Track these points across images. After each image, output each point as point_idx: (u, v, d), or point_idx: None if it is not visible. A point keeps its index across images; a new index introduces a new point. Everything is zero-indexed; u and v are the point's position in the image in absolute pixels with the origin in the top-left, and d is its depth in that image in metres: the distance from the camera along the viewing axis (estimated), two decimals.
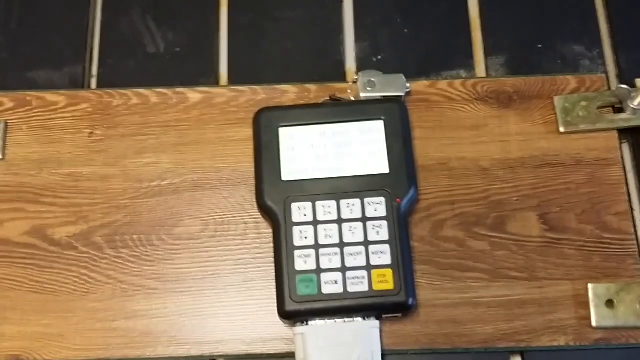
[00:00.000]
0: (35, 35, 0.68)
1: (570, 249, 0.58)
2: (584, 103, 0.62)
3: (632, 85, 0.62)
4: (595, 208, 0.60)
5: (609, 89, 0.64)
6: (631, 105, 0.61)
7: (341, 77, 0.66)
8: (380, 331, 0.55)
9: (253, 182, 0.59)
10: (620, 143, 0.62)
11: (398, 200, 0.57)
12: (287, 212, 0.56)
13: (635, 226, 0.60)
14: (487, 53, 0.67)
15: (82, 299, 0.57)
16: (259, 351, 0.56)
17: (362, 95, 0.62)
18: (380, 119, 0.59)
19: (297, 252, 0.55)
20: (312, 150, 0.59)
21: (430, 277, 0.58)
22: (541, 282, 0.58)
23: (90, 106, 0.63)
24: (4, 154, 0.62)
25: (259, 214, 0.59)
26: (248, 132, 0.61)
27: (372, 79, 0.62)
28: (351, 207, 0.56)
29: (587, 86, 0.64)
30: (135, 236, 0.59)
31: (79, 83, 0.66)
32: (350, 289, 0.54)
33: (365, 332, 0.54)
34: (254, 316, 0.57)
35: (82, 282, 0.58)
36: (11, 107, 0.63)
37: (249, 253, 0.59)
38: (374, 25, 0.69)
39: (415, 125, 0.62)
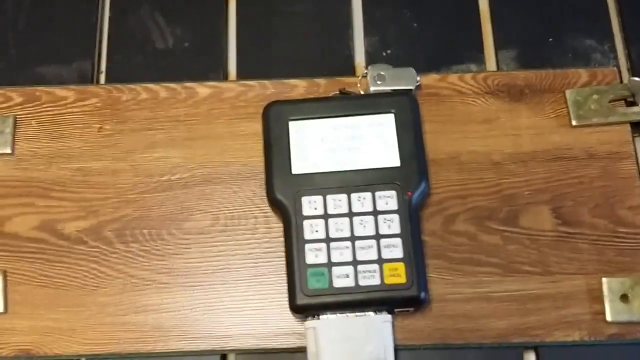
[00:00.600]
0: (44, 31, 0.68)
1: (584, 243, 0.58)
2: (595, 96, 0.62)
3: None
4: (609, 202, 0.59)
5: (621, 82, 0.64)
6: None
7: (350, 72, 0.66)
8: (392, 325, 0.55)
9: (263, 176, 0.59)
10: (633, 136, 0.62)
11: (409, 193, 0.56)
12: (298, 205, 0.56)
13: None
14: (498, 47, 0.67)
15: (92, 293, 0.57)
16: (269, 345, 0.56)
17: (372, 88, 0.61)
18: (390, 112, 0.59)
19: (308, 246, 0.55)
20: (322, 144, 0.58)
21: (442, 272, 0.57)
22: (555, 277, 0.57)
23: (100, 101, 0.63)
24: (13, 149, 0.61)
25: (269, 208, 0.59)
26: (257, 126, 0.61)
27: (382, 73, 0.62)
28: (362, 201, 0.56)
29: (598, 79, 0.63)
30: (145, 230, 0.59)
31: (88, 79, 0.66)
32: (362, 282, 0.54)
33: (378, 326, 0.54)
34: (265, 310, 0.57)
35: (92, 276, 0.58)
36: (20, 102, 0.63)
37: (259, 247, 0.58)
38: (383, 20, 0.68)
39: (425, 119, 0.62)
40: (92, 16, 0.68)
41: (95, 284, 0.57)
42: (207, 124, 0.62)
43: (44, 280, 0.58)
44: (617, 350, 0.56)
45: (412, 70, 0.62)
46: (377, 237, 0.55)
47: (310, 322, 0.54)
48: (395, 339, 0.55)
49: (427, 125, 0.62)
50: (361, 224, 0.56)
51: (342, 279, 0.54)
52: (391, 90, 0.61)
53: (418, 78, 0.62)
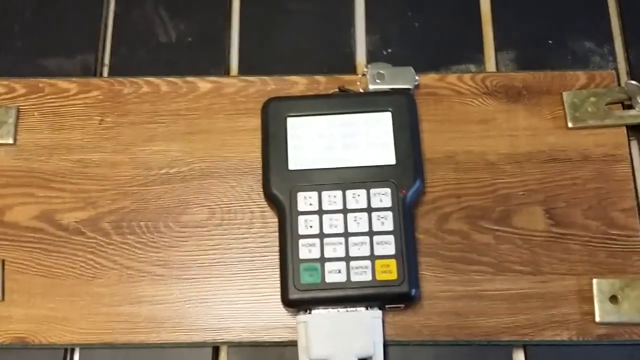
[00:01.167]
0: (48, 23, 0.68)
1: (576, 244, 0.58)
2: (592, 99, 0.62)
3: None
4: (602, 204, 0.59)
5: (619, 85, 0.64)
6: None
7: (351, 69, 0.67)
8: (383, 322, 0.55)
9: (260, 171, 0.59)
10: (629, 139, 0.62)
11: (403, 191, 0.57)
12: (293, 201, 0.57)
13: None
14: (498, 48, 0.67)
15: (88, 283, 0.58)
16: (262, 339, 0.57)
17: (371, 87, 0.62)
18: (387, 111, 0.59)
19: (301, 241, 0.56)
20: (319, 140, 0.59)
21: (434, 269, 0.58)
22: (545, 277, 0.57)
23: (101, 94, 0.64)
24: (15, 139, 0.62)
25: (266, 203, 0.59)
26: (257, 122, 0.61)
27: (381, 71, 0.62)
28: (357, 198, 0.57)
29: (596, 82, 0.64)
30: (142, 223, 0.60)
31: (91, 71, 0.67)
32: (354, 278, 0.55)
33: (368, 321, 0.55)
34: (258, 304, 0.57)
35: (88, 267, 0.58)
36: (23, 93, 0.64)
37: (254, 242, 0.59)
38: (385, 19, 0.69)
39: (423, 119, 0.62)
40: (97, 10, 0.69)
41: (92, 275, 0.58)
42: (207, 118, 0.63)
43: (42, 270, 0.58)
44: (605, 350, 0.56)
45: (411, 70, 0.62)
46: (371, 233, 0.56)
47: (302, 317, 0.55)
48: (385, 335, 0.55)
49: (424, 124, 0.62)
50: (355, 220, 0.56)
51: (335, 274, 0.55)
52: (390, 89, 0.62)
53: (417, 78, 0.62)
